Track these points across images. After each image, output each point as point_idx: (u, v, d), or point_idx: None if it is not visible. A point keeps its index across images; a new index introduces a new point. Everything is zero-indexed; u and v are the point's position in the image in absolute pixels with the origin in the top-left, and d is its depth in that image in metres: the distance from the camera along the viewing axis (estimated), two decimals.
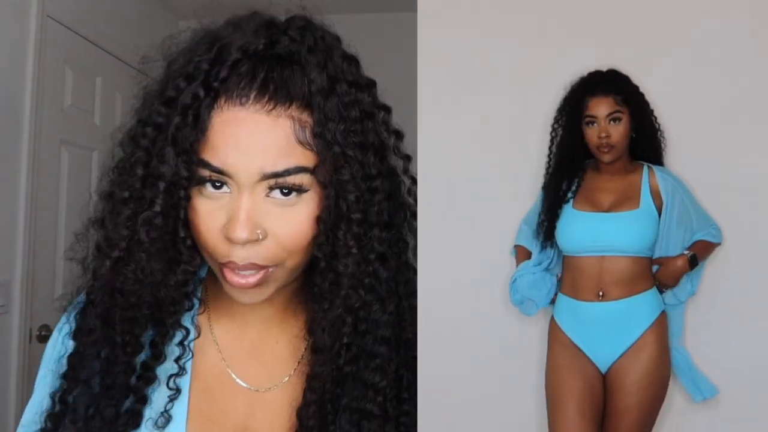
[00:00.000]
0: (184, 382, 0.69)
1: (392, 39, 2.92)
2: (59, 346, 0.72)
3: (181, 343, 0.69)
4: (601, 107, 1.46)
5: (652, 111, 1.51)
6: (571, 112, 1.51)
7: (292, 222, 0.60)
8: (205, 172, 0.60)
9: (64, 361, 0.69)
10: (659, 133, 1.52)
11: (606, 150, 1.45)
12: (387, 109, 0.69)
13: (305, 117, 0.60)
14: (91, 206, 0.68)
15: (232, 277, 0.61)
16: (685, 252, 1.45)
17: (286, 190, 0.60)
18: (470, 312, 1.65)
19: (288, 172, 0.59)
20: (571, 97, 1.52)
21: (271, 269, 0.62)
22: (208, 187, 0.61)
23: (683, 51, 1.59)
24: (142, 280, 0.63)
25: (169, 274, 0.63)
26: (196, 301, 0.71)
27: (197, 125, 0.59)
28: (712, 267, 1.54)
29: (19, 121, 2.02)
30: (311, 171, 0.60)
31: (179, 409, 0.68)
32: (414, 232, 0.71)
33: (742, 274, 1.54)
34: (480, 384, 1.66)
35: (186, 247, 0.63)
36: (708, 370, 1.54)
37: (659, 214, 1.45)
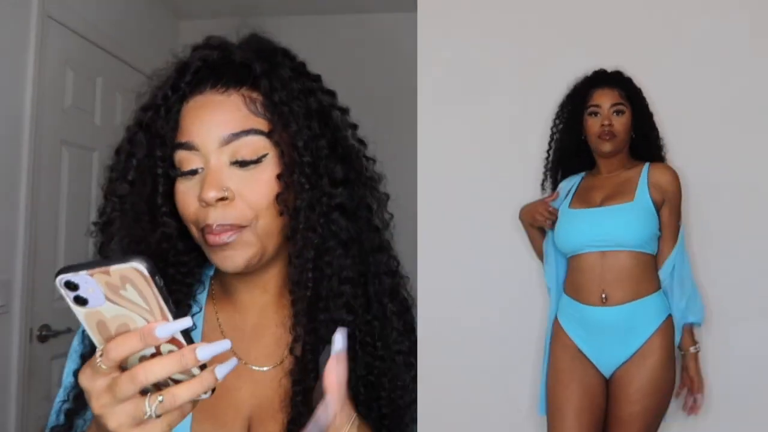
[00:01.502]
0: None
1: (392, 39, 2.92)
2: None
3: None
4: (605, 98, 1.47)
5: (651, 115, 1.51)
6: (574, 105, 1.52)
7: (255, 181, 0.71)
8: (180, 155, 0.72)
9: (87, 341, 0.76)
10: (660, 138, 1.53)
11: (607, 137, 1.45)
12: (332, 93, 0.80)
13: (255, 95, 0.73)
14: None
15: (211, 238, 0.71)
16: (692, 349, 1.45)
17: (246, 164, 0.71)
18: (470, 312, 1.65)
19: (245, 133, 0.71)
20: (573, 92, 1.53)
21: (241, 230, 0.71)
22: (187, 175, 0.73)
23: (683, 51, 1.59)
24: (123, 237, 0.74)
25: (149, 234, 0.75)
26: (200, 287, 0.81)
27: (169, 117, 0.73)
28: (714, 266, 1.54)
29: (19, 122, 2.02)
30: (266, 134, 0.72)
31: None
32: (376, 197, 0.81)
33: (742, 274, 1.54)
34: (480, 383, 1.66)
35: (162, 214, 0.75)
36: (709, 369, 1.54)
37: (657, 209, 1.44)
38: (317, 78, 0.79)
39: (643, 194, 1.44)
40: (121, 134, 0.79)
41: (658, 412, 1.40)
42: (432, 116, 1.67)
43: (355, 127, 0.80)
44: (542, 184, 1.59)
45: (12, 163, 2.00)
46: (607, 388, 1.43)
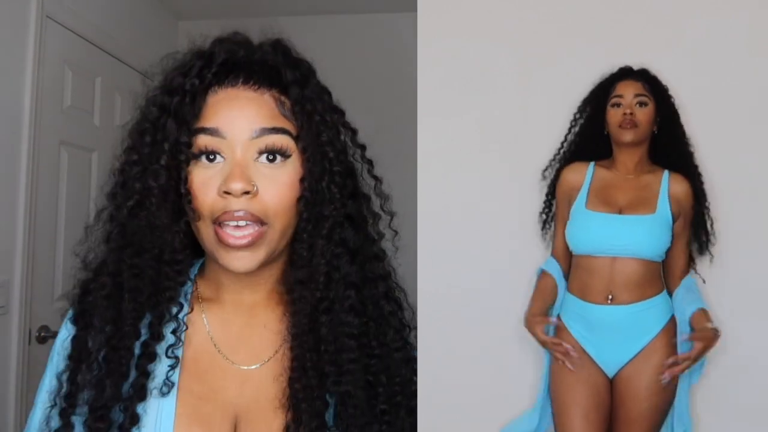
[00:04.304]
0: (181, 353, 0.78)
1: (392, 39, 2.92)
2: (64, 332, 0.80)
3: (176, 317, 0.77)
4: (629, 88, 1.45)
5: (677, 112, 1.49)
6: (597, 99, 1.50)
7: (279, 183, 0.72)
8: (203, 140, 0.72)
9: (68, 344, 0.78)
10: (686, 137, 1.49)
11: (629, 126, 1.43)
12: (341, 112, 0.82)
13: (284, 99, 0.75)
14: (94, 203, 0.80)
15: (227, 237, 0.71)
16: (710, 326, 1.39)
17: (272, 156, 0.72)
18: (470, 313, 1.65)
19: (275, 130, 0.72)
20: (598, 87, 1.51)
21: (263, 228, 0.72)
22: (203, 159, 0.73)
23: (686, 50, 1.58)
24: (153, 224, 0.74)
25: (174, 223, 0.74)
26: (189, 281, 0.81)
27: (194, 105, 0.73)
28: (715, 264, 1.53)
29: (18, 122, 2.02)
30: (294, 137, 0.74)
31: (174, 381, 0.76)
32: (371, 212, 0.84)
33: (745, 273, 1.53)
34: (480, 384, 1.65)
35: (187, 202, 0.73)
36: (710, 369, 1.53)
37: (674, 221, 1.43)
38: (329, 91, 0.82)
39: (664, 207, 1.43)
40: (121, 134, 0.79)
41: (664, 410, 1.40)
42: (432, 116, 1.67)
43: (363, 147, 0.83)
44: (543, 173, 1.57)
45: (11, 164, 1.99)
46: (611, 388, 1.42)
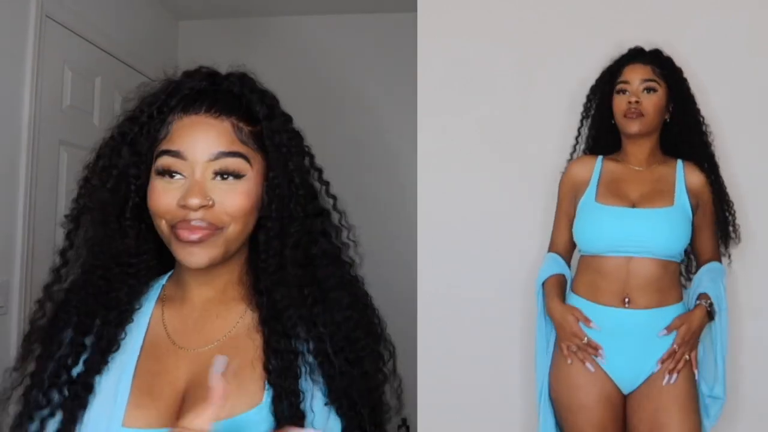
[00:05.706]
0: (135, 345, 0.88)
1: (392, 39, 2.91)
2: None
3: (127, 315, 0.89)
4: (635, 73, 1.35)
5: (692, 98, 1.40)
6: (605, 85, 1.40)
7: (234, 194, 0.83)
8: (166, 161, 0.83)
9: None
10: (704, 126, 1.39)
11: (633, 116, 1.32)
12: (301, 137, 0.91)
13: (243, 125, 0.85)
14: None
15: (183, 233, 0.81)
16: (701, 302, 1.28)
17: (227, 176, 0.82)
18: (470, 313, 1.64)
19: (232, 154, 0.83)
20: (607, 69, 1.41)
21: (216, 230, 0.82)
22: (166, 176, 0.83)
23: (686, 50, 1.58)
24: (90, 237, 0.89)
25: (114, 237, 0.87)
26: (150, 291, 0.92)
27: (150, 136, 0.85)
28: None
29: (18, 122, 2.02)
30: (248, 160, 0.84)
31: (127, 368, 0.87)
32: (332, 226, 0.93)
33: (747, 274, 1.53)
34: (480, 384, 1.65)
35: (128, 227, 0.87)
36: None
37: (693, 213, 1.32)
38: (291, 119, 0.92)
39: (682, 198, 1.32)
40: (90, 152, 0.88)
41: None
42: (432, 116, 1.67)
43: (321, 171, 0.92)
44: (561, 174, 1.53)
45: (11, 164, 1.99)
46: (626, 403, 1.31)
